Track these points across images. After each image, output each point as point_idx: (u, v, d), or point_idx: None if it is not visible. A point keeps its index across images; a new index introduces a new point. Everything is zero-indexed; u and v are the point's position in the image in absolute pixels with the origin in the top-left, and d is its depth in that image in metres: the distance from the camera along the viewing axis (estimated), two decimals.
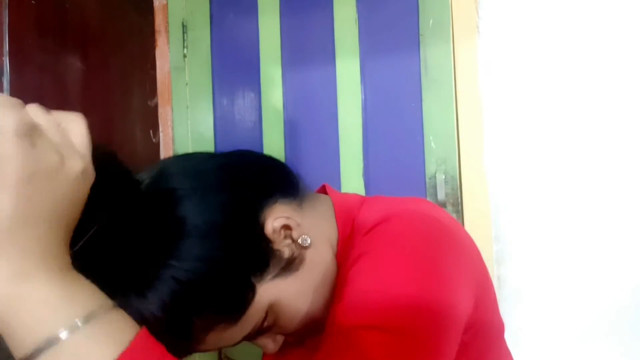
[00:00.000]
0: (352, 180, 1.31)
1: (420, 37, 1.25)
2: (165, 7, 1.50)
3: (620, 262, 1.12)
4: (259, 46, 1.41)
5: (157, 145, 1.48)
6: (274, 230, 0.52)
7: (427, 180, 1.24)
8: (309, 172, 1.37)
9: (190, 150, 1.46)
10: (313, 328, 0.55)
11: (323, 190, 0.66)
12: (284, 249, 0.52)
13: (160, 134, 1.49)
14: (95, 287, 0.39)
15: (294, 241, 0.53)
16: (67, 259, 0.39)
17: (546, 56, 1.18)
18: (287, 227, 0.53)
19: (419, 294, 0.46)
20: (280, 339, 0.57)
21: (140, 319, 0.41)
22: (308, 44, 1.37)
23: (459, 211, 1.21)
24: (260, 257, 0.51)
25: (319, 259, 0.55)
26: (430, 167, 1.24)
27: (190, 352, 0.50)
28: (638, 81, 1.13)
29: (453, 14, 1.23)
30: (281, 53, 1.39)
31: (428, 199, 1.23)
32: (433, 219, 0.53)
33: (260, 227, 0.51)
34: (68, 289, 0.37)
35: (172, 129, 1.48)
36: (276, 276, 0.52)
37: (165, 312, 0.45)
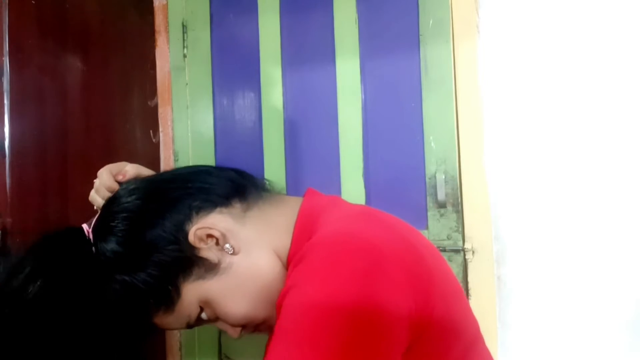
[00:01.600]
0: (352, 180, 1.31)
1: (420, 37, 1.25)
2: (165, 7, 1.50)
3: (620, 262, 1.12)
4: (259, 46, 1.41)
5: (157, 146, 1.48)
6: (199, 239, 0.59)
7: (427, 180, 1.24)
8: (309, 173, 1.37)
9: (190, 150, 1.47)
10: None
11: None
12: (210, 255, 0.60)
13: (160, 134, 1.49)
14: None
15: (222, 248, 0.60)
16: None
17: (546, 56, 1.19)
18: (212, 236, 0.60)
19: (336, 327, 0.48)
20: (237, 327, 0.64)
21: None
22: (308, 44, 1.37)
23: (459, 211, 1.21)
24: (183, 263, 0.59)
25: (250, 266, 0.61)
26: (430, 167, 1.24)
27: (151, 330, 0.64)
28: (639, 81, 1.13)
29: (453, 14, 1.23)
30: (281, 53, 1.39)
31: (428, 199, 1.23)
32: (357, 240, 0.52)
33: (186, 235, 0.59)
34: None
35: (172, 129, 1.48)
36: (200, 278, 0.60)
37: (120, 302, 0.59)
